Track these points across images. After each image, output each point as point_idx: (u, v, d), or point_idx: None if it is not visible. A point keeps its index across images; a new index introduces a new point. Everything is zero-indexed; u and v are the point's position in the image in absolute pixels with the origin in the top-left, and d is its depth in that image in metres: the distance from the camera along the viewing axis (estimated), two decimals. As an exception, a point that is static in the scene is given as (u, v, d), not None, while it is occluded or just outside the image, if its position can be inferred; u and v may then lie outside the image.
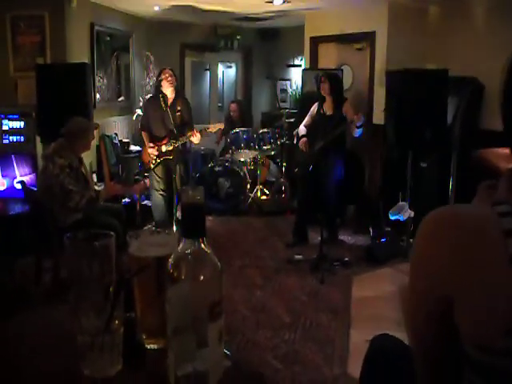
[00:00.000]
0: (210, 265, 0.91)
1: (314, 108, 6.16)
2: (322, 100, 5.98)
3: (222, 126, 6.65)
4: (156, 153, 6.13)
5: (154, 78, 8.17)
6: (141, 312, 1.12)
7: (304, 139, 6.12)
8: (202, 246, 0.90)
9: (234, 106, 8.76)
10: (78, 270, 1.05)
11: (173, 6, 7.57)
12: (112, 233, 1.09)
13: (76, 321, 1.03)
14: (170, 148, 6.07)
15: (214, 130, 6.44)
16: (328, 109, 5.95)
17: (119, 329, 1.04)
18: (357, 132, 5.82)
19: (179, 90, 6.35)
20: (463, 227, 0.96)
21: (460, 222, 0.97)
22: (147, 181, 6.42)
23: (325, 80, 5.97)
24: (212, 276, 0.90)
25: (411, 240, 5.83)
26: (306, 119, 6.27)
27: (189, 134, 6.03)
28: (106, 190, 5.17)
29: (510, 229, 0.91)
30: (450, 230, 0.97)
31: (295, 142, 6.62)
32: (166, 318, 0.93)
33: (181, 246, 0.91)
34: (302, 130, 6.27)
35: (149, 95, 7.48)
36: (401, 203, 5.85)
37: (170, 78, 6.05)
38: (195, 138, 6.05)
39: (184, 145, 6.24)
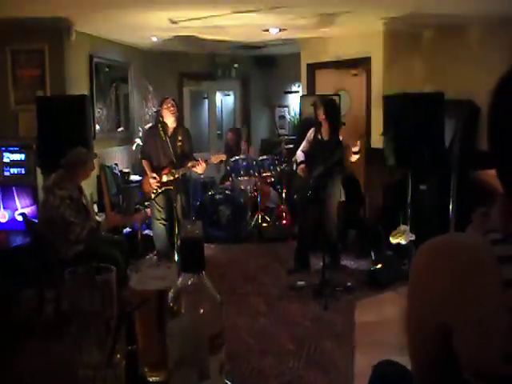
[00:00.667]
0: (210, 298, 0.92)
1: (311, 133, 6.20)
2: (318, 125, 6.02)
3: (224, 157, 6.64)
4: (157, 183, 6.12)
5: (153, 108, 8.27)
6: (142, 345, 1.12)
7: (302, 165, 6.14)
8: (202, 279, 0.92)
9: (230, 134, 8.85)
10: (79, 304, 1.05)
11: (171, 36, 7.66)
12: (113, 267, 1.10)
13: (78, 354, 1.04)
14: (171, 178, 6.07)
15: (216, 162, 6.45)
16: (325, 134, 5.99)
17: (121, 362, 1.04)
18: (354, 157, 5.84)
19: (180, 120, 6.37)
20: (457, 257, 0.97)
21: (453, 252, 0.99)
22: (148, 210, 6.42)
23: (320, 105, 6.02)
24: (212, 309, 0.91)
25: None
26: (304, 144, 6.30)
27: (190, 164, 6.03)
28: (106, 221, 5.20)
29: (502, 256, 0.92)
30: (443, 261, 0.99)
31: (294, 168, 6.64)
32: (167, 351, 0.93)
33: (180, 279, 0.92)
34: (299, 155, 6.28)
35: (149, 124, 7.54)
36: (402, 226, 5.86)
37: (172, 108, 6.06)
38: (200, 168, 6.06)
39: (184, 174, 6.24)
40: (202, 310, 0.90)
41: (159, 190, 6.15)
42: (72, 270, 1.08)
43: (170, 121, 6.08)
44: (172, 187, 6.11)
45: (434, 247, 1.04)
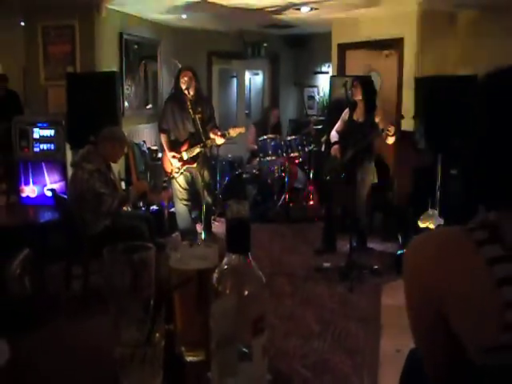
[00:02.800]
0: (255, 280, 0.90)
1: (346, 113, 6.03)
2: (353, 106, 5.91)
3: (243, 129, 6.41)
4: (178, 163, 5.97)
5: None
6: (181, 325, 1.11)
7: (336, 146, 6.02)
8: (248, 260, 0.90)
9: (276, 112, 8.66)
10: (117, 283, 1.04)
11: (202, 14, 7.61)
12: (151, 245, 1.08)
13: (116, 333, 1.03)
14: (192, 155, 5.92)
15: (235, 135, 6.21)
16: (359, 115, 5.86)
17: (160, 341, 1.03)
18: (390, 139, 5.70)
19: (200, 91, 6.07)
20: (441, 245, 1.07)
21: (438, 242, 1.09)
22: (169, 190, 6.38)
23: (357, 85, 5.83)
24: (257, 291, 0.90)
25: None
26: (339, 124, 6.16)
27: (211, 135, 5.87)
28: (134, 188, 5.22)
29: (478, 239, 1.02)
30: (430, 251, 1.08)
31: (323, 149, 6.57)
32: (207, 330, 0.92)
33: (225, 260, 0.90)
34: (334, 135, 6.16)
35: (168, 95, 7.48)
36: (430, 210, 5.79)
37: (186, 78, 5.82)
38: (218, 139, 5.92)
39: (210, 151, 6.10)
40: (246, 292, 0.89)
41: (181, 169, 6.00)
42: (110, 249, 1.07)
43: (186, 91, 5.79)
44: (194, 165, 5.98)
45: (419, 241, 1.14)
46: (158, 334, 1.02)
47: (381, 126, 5.65)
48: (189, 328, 1.10)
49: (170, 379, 1.06)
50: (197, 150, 5.90)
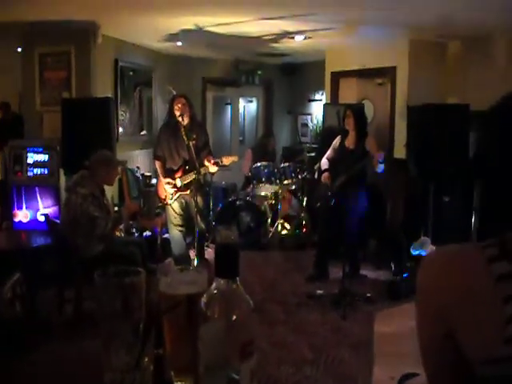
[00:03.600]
0: (243, 304, 0.91)
1: (337, 141, 6.13)
2: (344, 134, 5.96)
3: (236, 158, 6.46)
4: (172, 189, 5.98)
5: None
6: (170, 349, 1.11)
7: (327, 173, 6.09)
8: (235, 285, 0.91)
9: (273, 140, 8.76)
10: (108, 307, 1.05)
11: (196, 41, 7.69)
12: (141, 269, 1.09)
13: (105, 357, 1.03)
14: (186, 182, 5.93)
15: (228, 163, 6.25)
16: (351, 143, 5.92)
17: (149, 366, 1.04)
18: (380, 167, 5.76)
19: (194, 118, 6.10)
20: (451, 264, 1.06)
21: (447, 260, 1.08)
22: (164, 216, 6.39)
23: (350, 114, 5.91)
24: (245, 316, 0.90)
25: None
26: (329, 152, 6.25)
27: (205, 162, 5.89)
28: (126, 208, 5.25)
29: (490, 256, 1.01)
30: (439, 269, 1.08)
31: (316, 176, 6.61)
32: (196, 355, 0.92)
33: (214, 284, 0.91)
34: (324, 163, 6.24)
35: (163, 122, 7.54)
36: (423, 238, 5.81)
37: (179, 105, 5.85)
38: (212, 167, 5.94)
39: (204, 177, 6.12)
40: (235, 317, 0.89)
41: (175, 196, 6.01)
42: (101, 273, 1.08)
43: (180, 118, 5.81)
44: (188, 192, 5.98)
45: (429, 260, 1.13)
46: (147, 359, 1.02)
47: (372, 153, 5.70)
48: (178, 353, 1.10)
49: (159, 404, 1.06)
50: (191, 177, 5.89)
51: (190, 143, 5.75)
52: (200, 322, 0.90)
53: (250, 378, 0.91)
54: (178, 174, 5.97)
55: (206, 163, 5.94)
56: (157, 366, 1.07)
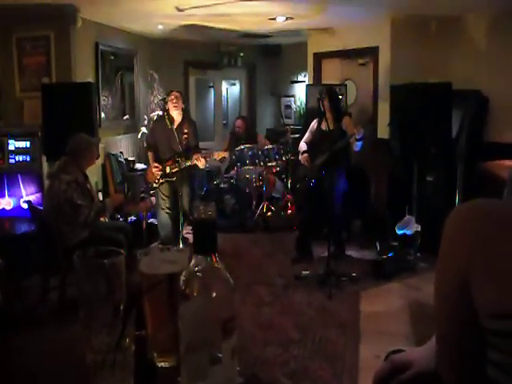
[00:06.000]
0: (222, 281, 0.90)
1: (314, 124, 6.19)
2: (322, 115, 5.98)
3: (226, 154, 6.59)
4: (159, 171, 6.14)
5: (159, 96, 8.24)
6: (152, 330, 1.11)
7: (305, 155, 6.15)
8: (214, 262, 0.90)
9: (239, 121, 8.73)
10: (88, 288, 1.04)
11: (177, 25, 7.62)
12: (121, 250, 1.09)
13: (87, 338, 1.02)
14: (174, 170, 6.08)
15: (218, 158, 6.40)
16: (327, 125, 5.93)
17: (130, 347, 1.03)
18: (357, 145, 5.79)
19: (186, 113, 6.35)
20: (486, 216, 0.99)
21: (482, 212, 1.01)
22: (153, 199, 6.43)
23: (325, 96, 5.96)
24: (224, 292, 0.90)
25: (418, 254, 5.81)
26: (307, 135, 6.32)
27: (194, 157, 6.02)
28: (111, 200, 5.24)
29: None
30: (472, 220, 1.01)
31: (296, 159, 6.65)
32: (178, 335, 0.92)
33: (192, 262, 0.90)
34: (302, 146, 6.29)
35: (155, 113, 7.53)
36: (407, 217, 5.84)
37: (174, 101, 6.08)
38: (200, 163, 6.06)
39: (188, 166, 6.19)
40: (214, 293, 0.89)
41: (161, 181, 6.17)
42: (80, 254, 1.07)
43: (174, 113, 6.12)
44: (174, 179, 6.13)
45: (459, 208, 1.06)
46: (128, 339, 1.02)
47: (349, 132, 5.73)
48: (160, 333, 1.09)
49: (141, 384, 1.05)
50: (179, 167, 6.07)
51: (181, 137, 6.04)
52: (179, 300, 0.90)
53: (231, 356, 0.90)
54: (168, 163, 6.13)
55: (195, 160, 6.06)
56: (139, 346, 1.06)
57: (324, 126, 5.94)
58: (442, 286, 1.07)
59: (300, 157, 6.26)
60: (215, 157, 6.30)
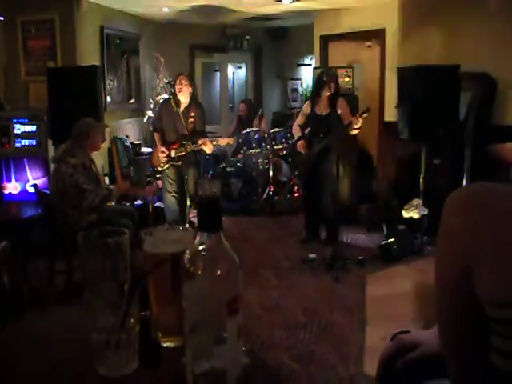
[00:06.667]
0: (227, 259, 0.89)
1: (307, 107, 6.11)
2: (315, 99, 5.96)
3: (232, 140, 6.56)
4: (165, 157, 6.11)
5: (165, 80, 8.19)
6: (156, 310, 1.10)
7: (301, 142, 6.08)
8: (219, 239, 0.89)
9: (242, 105, 8.72)
10: (93, 268, 1.04)
11: (183, 7, 7.56)
12: (125, 229, 1.07)
13: (91, 319, 1.02)
14: (180, 154, 6.05)
15: (224, 144, 6.38)
16: (324, 108, 5.90)
17: (135, 327, 1.02)
18: (354, 132, 5.75)
19: (194, 97, 6.26)
20: (488, 203, 0.98)
21: (484, 198, 0.99)
22: (159, 182, 6.42)
23: (333, 78, 5.92)
24: (229, 271, 0.88)
25: (425, 237, 5.79)
26: (300, 118, 6.24)
27: (200, 141, 5.97)
28: (117, 188, 5.23)
29: None
30: (474, 205, 0.99)
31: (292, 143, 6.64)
32: (182, 315, 0.91)
33: (197, 240, 0.89)
34: (296, 130, 6.23)
35: (161, 96, 7.49)
36: (414, 200, 5.81)
37: (180, 86, 6.01)
38: (207, 148, 6.02)
39: (193, 150, 6.15)
40: (219, 272, 0.87)
41: (166, 165, 6.15)
42: (85, 234, 1.06)
43: (181, 97, 6.05)
44: (180, 163, 6.10)
45: (456, 196, 1.05)
46: (132, 319, 1.01)
47: (345, 119, 5.70)
48: (164, 313, 1.09)
49: (146, 365, 1.05)
50: (185, 151, 6.02)
51: (188, 120, 5.99)
52: (183, 279, 0.88)
53: (237, 335, 0.89)
54: (174, 146, 6.08)
55: (201, 144, 6.00)
56: (143, 327, 1.05)
57: (319, 110, 5.90)
58: (442, 273, 1.06)
59: (297, 143, 6.20)
60: (220, 143, 6.26)
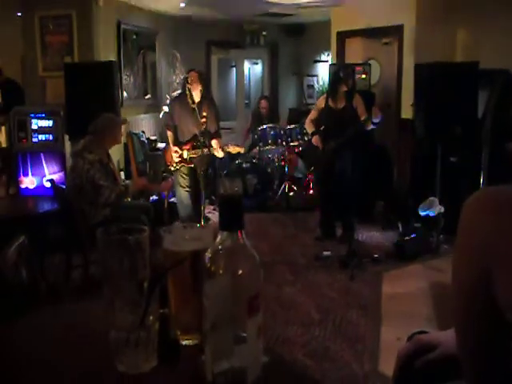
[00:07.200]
0: (249, 258, 0.88)
1: (321, 101, 6.08)
2: (332, 94, 5.93)
3: (242, 149, 6.49)
4: (178, 157, 6.04)
5: (181, 76, 8.20)
6: (176, 308, 1.09)
7: (316, 136, 6.06)
8: (241, 238, 0.88)
9: (264, 102, 8.66)
10: (112, 265, 1.03)
11: (200, 2, 7.56)
12: (145, 227, 1.07)
13: (110, 316, 1.02)
14: (192, 156, 5.97)
15: (234, 152, 6.33)
16: (340, 103, 5.87)
17: (154, 324, 1.02)
18: (371, 126, 5.73)
19: (205, 94, 6.11)
20: (503, 205, 0.96)
21: (501, 199, 0.97)
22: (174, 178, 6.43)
23: (351, 75, 5.91)
24: (250, 270, 0.88)
25: (441, 236, 5.76)
26: (313, 113, 6.22)
27: (213, 144, 5.93)
28: (133, 184, 5.24)
29: None
30: (490, 208, 0.98)
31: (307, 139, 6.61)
32: (202, 313, 0.90)
33: (218, 239, 0.88)
34: (309, 125, 6.21)
35: (176, 92, 7.48)
36: (431, 198, 5.77)
37: (190, 82, 5.89)
38: (218, 154, 6.00)
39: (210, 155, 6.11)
40: (240, 271, 0.87)
41: (178, 166, 6.08)
42: (104, 231, 1.05)
43: (193, 94, 5.93)
44: (192, 165, 6.03)
45: (476, 197, 1.02)
46: (151, 317, 1.01)
47: (359, 113, 5.71)
48: (183, 311, 1.08)
49: (165, 362, 1.04)
50: (197, 154, 5.93)
51: (200, 119, 5.84)
52: (204, 278, 0.88)
53: (257, 334, 0.89)
54: (187, 147, 6.01)
55: (214, 145, 5.97)
56: (162, 325, 1.05)
57: (335, 105, 5.88)
58: (458, 273, 1.04)
59: (312, 138, 6.17)
60: (231, 150, 6.19)
